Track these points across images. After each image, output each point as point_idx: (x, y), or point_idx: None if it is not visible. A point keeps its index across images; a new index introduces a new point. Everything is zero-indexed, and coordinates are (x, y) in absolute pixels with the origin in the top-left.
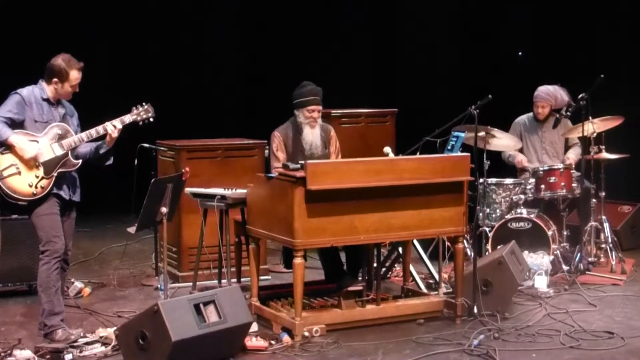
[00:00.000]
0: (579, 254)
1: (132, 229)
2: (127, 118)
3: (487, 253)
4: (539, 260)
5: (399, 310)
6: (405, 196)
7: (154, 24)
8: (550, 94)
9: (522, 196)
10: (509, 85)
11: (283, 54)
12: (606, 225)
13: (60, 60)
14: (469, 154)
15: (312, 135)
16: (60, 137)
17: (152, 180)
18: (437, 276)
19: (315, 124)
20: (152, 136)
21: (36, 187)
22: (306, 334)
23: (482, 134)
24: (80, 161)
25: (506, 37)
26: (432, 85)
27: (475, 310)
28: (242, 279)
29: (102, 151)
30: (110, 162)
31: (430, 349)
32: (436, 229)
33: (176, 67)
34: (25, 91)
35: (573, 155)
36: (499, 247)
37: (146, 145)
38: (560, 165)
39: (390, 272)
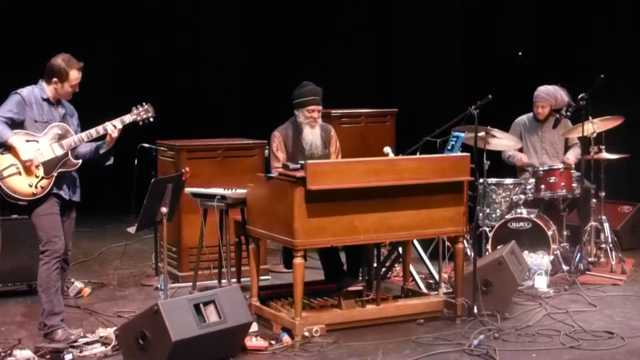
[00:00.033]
0: (579, 254)
1: (132, 229)
2: (127, 118)
3: (487, 253)
4: (539, 260)
5: (399, 310)
6: (405, 196)
7: (154, 24)
8: (550, 94)
9: (522, 196)
10: (509, 85)
11: (283, 54)
12: (606, 225)
13: (60, 60)
14: (468, 154)
15: (312, 135)
16: (60, 137)
17: (152, 180)
18: (437, 276)
19: (315, 124)
20: (152, 136)
21: (36, 187)
22: (306, 334)
23: (482, 134)
24: (80, 161)
25: (506, 37)
26: (432, 85)
27: (475, 310)
28: (242, 279)
29: (102, 151)
30: (110, 162)
31: (430, 349)
32: (436, 229)
33: (176, 67)
34: (25, 91)
35: (572, 156)
36: (499, 247)
37: (146, 145)
38: (560, 165)
39: (390, 272)
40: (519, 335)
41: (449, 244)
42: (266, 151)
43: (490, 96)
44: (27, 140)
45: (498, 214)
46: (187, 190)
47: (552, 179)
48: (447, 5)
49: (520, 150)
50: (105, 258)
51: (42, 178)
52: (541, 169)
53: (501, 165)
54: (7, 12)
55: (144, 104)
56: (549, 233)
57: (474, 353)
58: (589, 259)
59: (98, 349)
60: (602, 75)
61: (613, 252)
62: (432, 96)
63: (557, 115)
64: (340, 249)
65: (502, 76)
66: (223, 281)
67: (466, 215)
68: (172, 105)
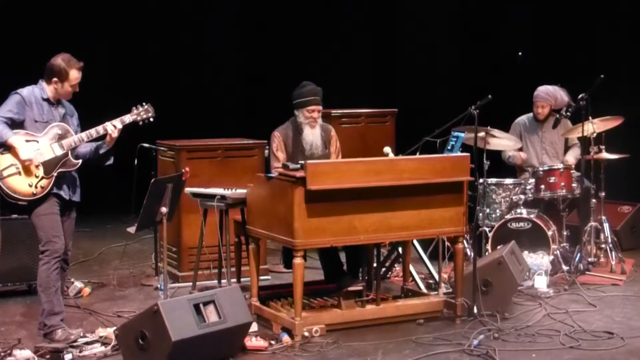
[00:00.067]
0: (578, 254)
1: (132, 229)
2: (127, 118)
3: (487, 253)
4: (538, 261)
5: (399, 310)
6: (405, 196)
7: (154, 24)
8: (550, 94)
9: (522, 196)
10: (509, 85)
11: (283, 54)
12: (606, 226)
13: (60, 60)
14: (468, 154)
15: (312, 135)
16: (60, 137)
17: (152, 180)
18: (437, 276)
19: (316, 124)
20: (152, 136)
21: (36, 187)
22: (306, 334)
23: (482, 134)
24: (80, 161)
25: (506, 37)
26: (432, 85)
27: (475, 310)
28: (242, 279)
29: (102, 151)
30: (110, 162)
31: (430, 349)
32: (436, 229)
33: (176, 67)
34: (25, 91)
35: (572, 157)
36: (498, 247)
37: (146, 145)
38: (560, 166)
39: (390, 272)
40: (519, 335)
41: (448, 244)
42: (266, 151)
43: (490, 96)
44: (27, 140)
45: (498, 214)
46: (187, 190)
47: (552, 179)
48: (447, 5)
49: (520, 150)
50: (105, 258)
51: (42, 178)
52: (541, 169)
53: (501, 166)
54: (7, 12)
55: (144, 104)
56: (549, 233)
57: (473, 353)
58: (589, 259)
59: (98, 348)
60: (602, 75)
61: (613, 252)
62: (432, 96)
63: (557, 116)
64: (340, 249)
65: (502, 76)
66: (223, 281)
67: (466, 215)
68: (172, 105)
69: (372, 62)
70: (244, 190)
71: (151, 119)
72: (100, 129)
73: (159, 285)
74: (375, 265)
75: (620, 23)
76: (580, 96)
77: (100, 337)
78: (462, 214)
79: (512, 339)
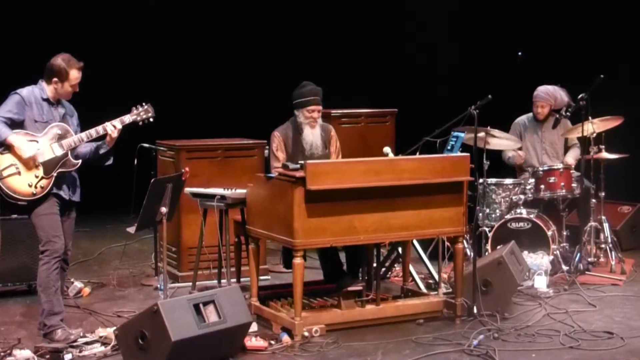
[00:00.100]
0: (578, 254)
1: (131, 229)
2: (127, 118)
3: (486, 253)
4: (538, 261)
5: (399, 310)
6: (405, 196)
7: (154, 24)
8: (550, 93)
9: (522, 196)
10: (509, 85)
11: (283, 54)
12: (606, 226)
13: (60, 60)
14: (468, 154)
15: (312, 135)
16: (60, 137)
17: (152, 180)
18: (436, 276)
19: (316, 124)
20: (152, 136)
21: (36, 187)
22: (306, 334)
23: (481, 134)
24: (80, 161)
25: (506, 37)
26: (432, 85)
27: (475, 310)
28: (242, 279)
29: (102, 151)
30: (110, 162)
31: (429, 349)
32: (436, 229)
33: (176, 67)
34: (25, 91)
35: (571, 158)
36: (498, 247)
37: (146, 145)
38: (560, 166)
39: (390, 272)
40: (519, 335)
41: (448, 244)
42: (266, 151)
43: (490, 96)
44: (27, 140)
45: (498, 214)
46: (187, 190)
47: (552, 179)
48: (447, 5)
49: (520, 150)
50: (104, 258)
51: (42, 178)
52: (541, 169)
53: (501, 166)
54: (7, 12)
55: (143, 104)
56: (549, 233)
57: (473, 353)
58: (589, 259)
59: (98, 348)
60: (602, 75)
61: (613, 252)
62: (432, 96)
63: (557, 116)
64: (340, 249)
65: (502, 76)
66: (223, 281)
67: (466, 215)
68: (172, 105)
69: (372, 62)
70: (244, 190)
71: (151, 119)
72: (100, 129)
73: (158, 285)
74: (375, 265)
75: (620, 23)
76: (580, 96)
77: (100, 337)
78: (462, 214)
79: (512, 339)
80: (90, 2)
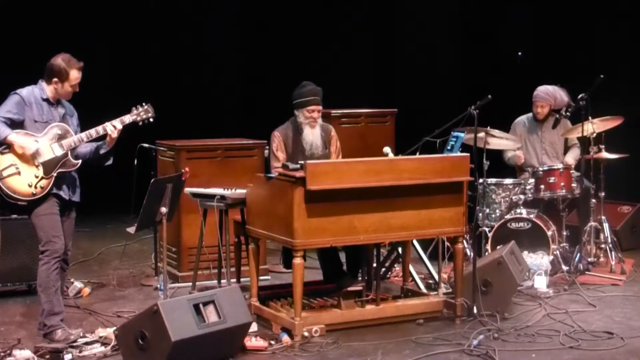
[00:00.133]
0: (578, 254)
1: (131, 229)
2: (127, 118)
3: (486, 253)
4: (538, 261)
5: (399, 310)
6: (404, 196)
7: (154, 24)
8: (550, 93)
9: (522, 196)
10: (509, 85)
11: (283, 54)
12: (606, 226)
13: (60, 60)
14: (468, 154)
15: (312, 135)
16: (60, 137)
17: (152, 180)
18: (436, 276)
19: (316, 124)
20: (152, 136)
21: (36, 187)
22: (306, 334)
23: (481, 134)
24: (80, 161)
25: (506, 37)
26: (432, 85)
27: (475, 310)
28: (242, 279)
29: (102, 151)
30: (110, 162)
31: (429, 349)
32: (436, 229)
33: (176, 67)
34: (24, 91)
35: (571, 158)
36: (498, 247)
37: (146, 145)
38: (560, 166)
39: (389, 272)
40: (519, 335)
41: (448, 244)
42: (266, 151)
43: (490, 96)
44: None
45: (498, 214)
46: (187, 190)
47: (552, 179)
48: (447, 5)
49: (520, 150)
50: (104, 258)
51: (42, 178)
52: (541, 169)
53: (501, 165)
54: (7, 12)
55: (143, 104)
56: (549, 233)
57: (473, 353)
58: (589, 259)
59: (97, 349)
60: (601, 75)
61: (613, 252)
62: (432, 96)
63: (557, 116)
64: (340, 249)
65: (502, 76)
66: (223, 281)
67: (466, 215)
68: (172, 105)
69: (372, 62)
70: (244, 191)
71: (151, 119)
72: (100, 129)
73: (158, 286)
74: (375, 265)
75: (620, 23)
76: (580, 96)
77: (100, 337)
78: (462, 214)
79: (512, 339)
80: (90, 2)
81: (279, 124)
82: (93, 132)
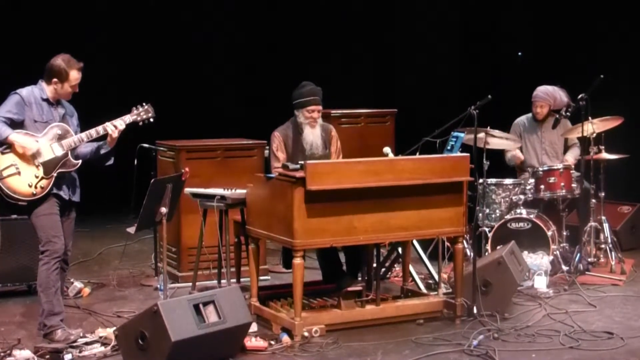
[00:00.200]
0: (578, 254)
1: (131, 229)
2: (127, 118)
3: (486, 253)
4: (538, 261)
5: (399, 310)
6: (404, 196)
7: (154, 24)
8: (549, 93)
9: (522, 196)
10: (509, 85)
11: (283, 54)
12: (606, 226)
13: (60, 61)
14: (468, 154)
15: (312, 135)
16: (60, 137)
17: (152, 181)
18: (436, 276)
19: (316, 124)
20: (152, 136)
21: (36, 187)
22: (306, 334)
23: (481, 134)
24: (80, 161)
25: (506, 37)
26: (432, 85)
27: (475, 310)
28: (242, 279)
29: (102, 151)
30: (110, 162)
31: (429, 349)
32: (436, 229)
33: (176, 67)
34: (24, 91)
35: (571, 157)
36: (498, 247)
37: (146, 145)
38: (560, 166)
39: (389, 273)
40: (519, 335)
41: (448, 244)
42: (266, 151)
43: (489, 96)
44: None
45: (498, 214)
46: (187, 190)
47: (552, 179)
48: (447, 5)
49: (520, 150)
50: (104, 258)
51: (42, 178)
52: (541, 169)
53: (501, 166)
54: (7, 12)
55: (144, 104)
56: (549, 233)
57: (473, 353)
58: (589, 259)
59: (97, 349)
60: (602, 75)
61: (613, 253)
62: (432, 96)
63: (557, 116)
64: (340, 250)
65: (502, 76)
66: (223, 281)
67: (466, 215)
68: (172, 105)
69: (372, 62)
70: (244, 191)
71: (151, 120)
72: (100, 129)
73: (158, 286)
74: (374, 265)
75: (620, 23)
76: (580, 96)
77: (100, 337)
78: (462, 214)
79: (512, 339)
80: (90, 2)
81: (279, 124)
82: (93, 132)
